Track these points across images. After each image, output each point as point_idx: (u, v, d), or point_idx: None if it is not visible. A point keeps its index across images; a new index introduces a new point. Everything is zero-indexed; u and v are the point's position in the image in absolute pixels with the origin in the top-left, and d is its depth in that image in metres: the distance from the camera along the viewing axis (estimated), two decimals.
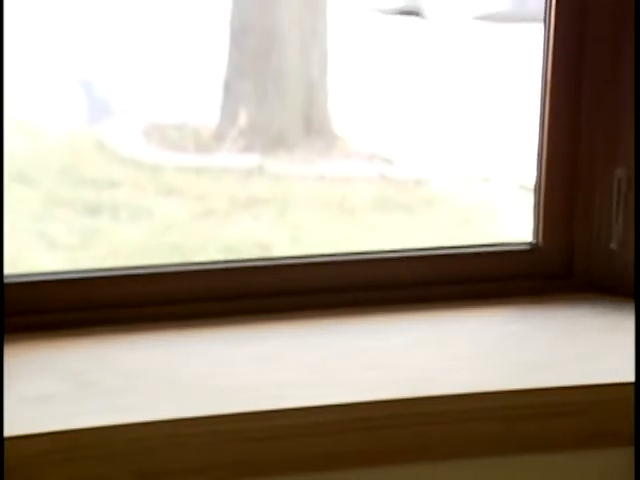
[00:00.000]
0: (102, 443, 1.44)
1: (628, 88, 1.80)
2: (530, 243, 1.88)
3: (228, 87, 4.81)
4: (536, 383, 1.59)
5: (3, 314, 1.54)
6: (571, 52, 1.82)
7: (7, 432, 1.42)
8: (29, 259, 3.55)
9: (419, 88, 4.86)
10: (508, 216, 3.72)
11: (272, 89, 4.80)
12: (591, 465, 1.63)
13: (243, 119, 4.78)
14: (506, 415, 1.57)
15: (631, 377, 1.60)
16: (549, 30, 1.82)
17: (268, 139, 4.76)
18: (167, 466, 1.47)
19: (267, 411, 1.49)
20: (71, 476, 1.44)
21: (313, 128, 4.84)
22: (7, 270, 1.69)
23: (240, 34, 4.76)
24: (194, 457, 1.48)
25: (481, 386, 1.57)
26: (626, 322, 1.76)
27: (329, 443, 1.51)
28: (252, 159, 4.63)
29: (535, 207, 1.89)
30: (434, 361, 1.64)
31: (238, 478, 1.51)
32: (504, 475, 1.62)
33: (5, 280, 1.68)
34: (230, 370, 1.60)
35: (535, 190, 1.89)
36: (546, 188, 1.87)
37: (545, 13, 1.83)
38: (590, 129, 1.83)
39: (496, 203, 4.15)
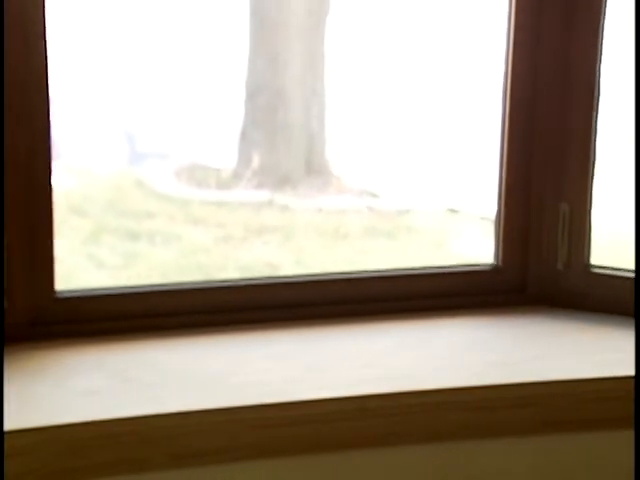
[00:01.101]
0: (141, 430, 1.45)
1: (574, 137, 1.81)
2: (491, 264, 1.89)
3: (244, 135, 4.80)
4: (499, 380, 1.59)
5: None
6: (525, 115, 1.83)
7: (62, 420, 1.42)
8: (81, 277, 3.53)
9: (399, 130, 4.87)
10: (473, 242, 3.71)
11: (280, 138, 4.79)
12: (542, 448, 1.62)
13: (256, 162, 4.77)
14: (474, 406, 1.57)
15: (575, 375, 1.61)
16: (506, 93, 1.84)
17: (276, 178, 4.75)
18: (195, 448, 1.47)
19: (276, 403, 1.49)
20: (116, 457, 1.44)
21: (313, 169, 4.83)
22: (62, 286, 1.70)
23: (254, 92, 4.75)
24: (216, 441, 1.48)
25: (454, 382, 1.58)
26: (570, 329, 1.77)
27: (329, 429, 1.52)
28: (263, 194, 4.61)
29: (495, 235, 1.89)
30: (414, 361, 1.65)
31: (253, 459, 1.51)
32: (474, 456, 1.61)
33: (60, 295, 1.70)
34: (246, 368, 1.61)
35: (495, 221, 1.89)
36: (504, 219, 1.87)
37: (505, 67, 1.83)
38: (540, 172, 1.84)
39: (463, 231, 4.14)
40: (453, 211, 4.43)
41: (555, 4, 1.78)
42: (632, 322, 1.76)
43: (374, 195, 4.74)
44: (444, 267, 1.93)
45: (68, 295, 1.71)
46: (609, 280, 1.83)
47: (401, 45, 4.80)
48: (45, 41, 1.60)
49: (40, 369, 1.58)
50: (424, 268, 1.92)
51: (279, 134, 4.78)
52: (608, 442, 1.64)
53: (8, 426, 1.40)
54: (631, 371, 1.61)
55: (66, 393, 1.51)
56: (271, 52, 4.81)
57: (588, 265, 1.84)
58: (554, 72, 1.81)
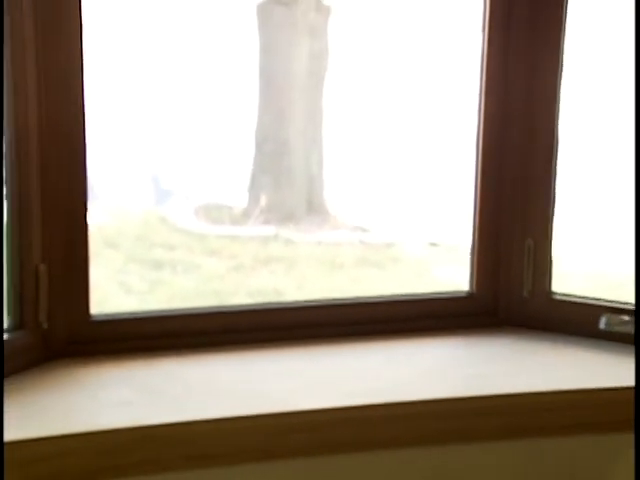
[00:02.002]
0: (164, 435, 1.44)
1: (536, 182, 1.81)
2: (467, 291, 1.88)
3: (253, 179, 4.81)
4: (474, 392, 1.58)
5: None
6: (495, 164, 1.82)
7: (96, 427, 1.42)
8: (112, 302, 3.53)
9: (387, 174, 4.90)
10: (451, 271, 3.71)
11: (284, 181, 4.80)
12: (512, 452, 1.62)
13: (263, 201, 4.77)
14: (452, 415, 1.56)
15: (539, 388, 1.60)
16: (478, 144, 1.84)
17: (281, 215, 4.75)
18: (210, 451, 1.47)
19: (282, 412, 1.49)
20: (142, 459, 1.43)
21: (313, 208, 4.84)
22: (97, 310, 1.69)
23: (262, 142, 4.77)
24: (227, 445, 1.48)
25: (435, 394, 1.57)
26: (535, 348, 1.76)
27: (327, 435, 1.51)
28: (270, 230, 4.62)
29: (470, 265, 1.88)
30: (400, 376, 1.64)
31: (260, 461, 1.50)
32: (454, 458, 1.60)
33: (95, 318, 1.69)
34: (255, 382, 1.60)
35: (470, 253, 1.88)
36: (478, 252, 1.86)
37: (477, 119, 1.83)
38: (508, 212, 1.83)
39: (442, 261, 4.14)
40: (433, 244, 4.44)
41: (519, 70, 1.79)
42: (588, 342, 1.77)
43: (365, 230, 4.75)
44: (426, 294, 1.92)
45: (102, 318, 1.70)
46: (568, 305, 1.82)
47: (386, 104, 4.83)
48: (83, 95, 1.60)
49: (77, 382, 1.58)
50: (408, 295, 1.91)
51: (284, 178, 4.79)
52: (569, 447, 1.63)
53: (49, 432, 1.40)
54: (585, 384, 1.62)
55: (99, 403, 1.51)
56: (277, 107, 4.83)
57: (550, 292, 1.83)
58: (519, 128, 1.81)
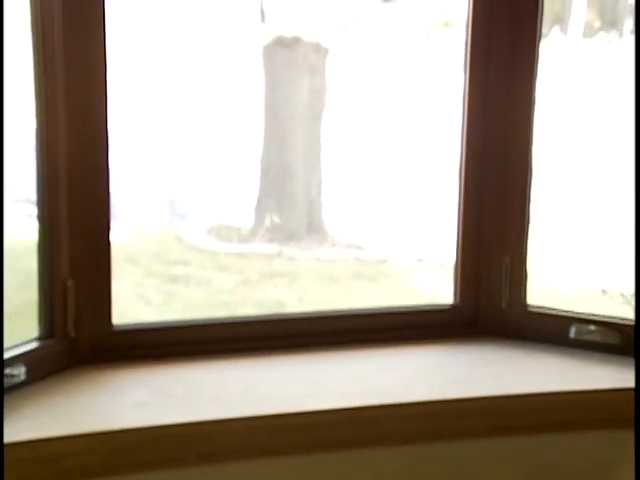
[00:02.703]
0: (177, 434, 1.44)
1: (513, 206, 1.81)
2: (450, 304, 1.88)
3: (259, 202, 4.80)
4: (457, 394, 1.58)
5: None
6: (475, 189, 1.82)
7: (116, 426, 1.42)
8: (132, 312, 3.52)
9: (379, 198, 4.91)
10: (436, 285, 3.71)
11: (287, 203, 4.80)
12: (497, 449, 1.62)
13: (268, 222, 4.77)
14: (439, 415, 1.56)
15: (516, 390, 1.59)
16: (461, 172, 1.84)
17: (284, 235, 4.74)
18: (220, 449, 1.46)
19: (285, 413, 1.49)
20: (157, 455, 1.43)
21: (312, 228, 4.83)
22: (118, 321, 1.69)
23: (266, 168, 4.76)
24: (238, 443, 1.47)
25: (422, 396, 1.57)
26: (512, 355, 1.76)
27: (326, 433, 1.51)
28: (274, 247, 4.61)
29: (454, 280, 1.88)
30: (391, 380, 1.64)
31: (267, 457, 1.50)
32: (440, 454, 1.60)
33: (117, 328, 1.68)
34: (261, 385, 1.59)
35: (454, 269, 1.88)
36: (461, 268, 1.86)
37: (460, 149, 1.83)
38: (488, 232, 1.83)
39: (429, 276, 4.14)
40: (421, 260, 4.43)
41: (497, 106, 1.78)
42: (559, 349, 1.76)
43: (359, 248, 4.75)
44: (413, 306, 1.90)
45: (122, 328, 1.70)
46: (541, 316, 1.82)
47: (378, 135, 4.84)
48: (107, 126, 1.60)
49: (100, 386, 1.57)
50: (398, 307, 1.90)
51: (286, 201, 4.79)
52: (542, 445, 1.63)
53: (75, 430, 1.40)
54: (557, 388, 1.61)
55: (119, 405, 1.51)
56: (280, 138, 4.83)
57: (525, 305, 1.83)
58: (497, 158, 1.80)
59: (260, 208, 4.84)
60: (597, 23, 3.69)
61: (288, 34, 4.66)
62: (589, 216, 3.36)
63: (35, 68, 1.52)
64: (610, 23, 3.68)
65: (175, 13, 4.48)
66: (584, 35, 3.63)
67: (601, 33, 3.64)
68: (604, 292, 3.08)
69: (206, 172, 4.87)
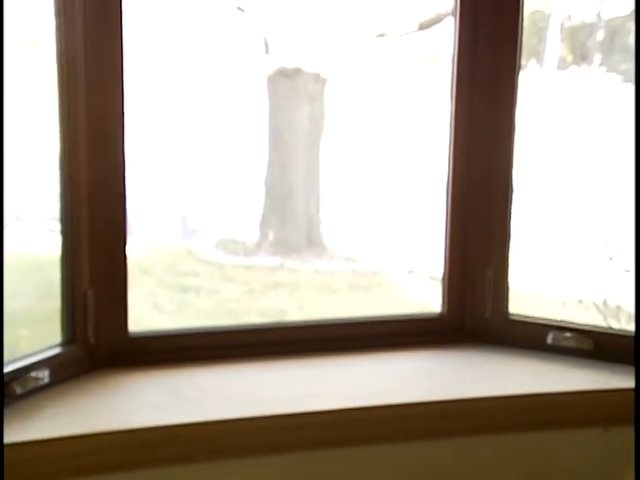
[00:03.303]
0: (188, 433, 1.44)
1: (495, 222, 1.80)
2: (438, 313, 1.87)
3: (263, 218, 4.80)
4: (446, 396, 1.58)
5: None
6: (461, 207, 1.82)
7: (132, 425, 1.41)
8: (147, 320, 3.52)
9: (373, 215, 4.92)
10: (425, 295, 3.71)
11: (288, 220, 4.80)
12: (482, 446, 1.61)
13: (271, 237, 4.77)
14: (429, 415, 1.56)
15: (499, 392, 1.59)
16: (448, 191, 1.83)
17: (286, 249, 4.74)
18: (227, 446, 1.46)
19: (286, 414, 1.48)
20: (170, 452, 1.43)
21: (312, 242, 4.83)
22: (134, 328, 1.68)
23: (270, 188, 4.77)
24: (240, 440, 1.47)
25: (413, 398, 1.56)
26: (495, 360, 1.75)
27: (326, 432, 1.51)
28: (276, 260, 4.61)
29: (442, 291, 1.87)
30: (384, 383, 1.63)
31: (270, 454, 1.49)
32: (430, 451, 1.60)
33: (132, 334, 1.67)
34: (264, 388, 1.59)
35: (442, 280, 1.87)
36: (448, 280, 1.85)
37: (448, 171, 1.82)
38: (473, 247, 1.82)
39: (419, 287, 4.14)
40: (411, 272, 4.43)
41: (480, 131, 1.78)
42: (538, 354, 1.76)
43: (355, 260, 4.75)
44: (404, 315, 1.89)
45: (138, 335, 1.69)
46: (522, 324, 1.81)
47: (372, 157, 4.84)
48: (124, 149, 1.60)
49: (117, 388, 1.57)
50: (390, 315, 1.89)
51: (288, 217, 4.79)
52: (523, 442, 1.63)
53: (94, 429, 1.39)
54: (536, 390, 1.60)
55: (135, 405, 1.50)
56: (283, 159, 4.84)
57: (507, 313, 1.82)
58: (481, 180, 1.80)
59: (264, 224, 4.85)
60: (569, 57, 3.74)
61: (290, 65, 4.67)
62: (566, 231, 3.36)
63: (60, 98, 1.53)
64: (581, 57, 3.71)
65: (187, 46, 4.50)
66: (558, 68, 3.66)
67: (573, 66, 3.68)
68: (580, 302, 3.08)
69: (214, 191, 4.89)
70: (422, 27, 4.56)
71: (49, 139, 1.55)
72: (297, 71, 4.68)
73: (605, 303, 2.98)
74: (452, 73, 1.78)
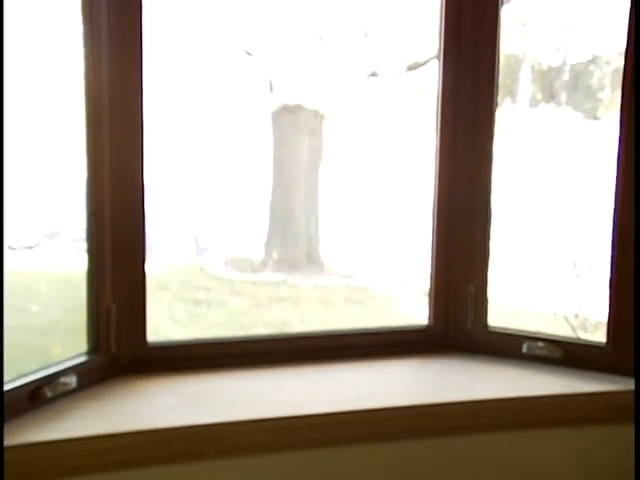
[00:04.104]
0: (202, 433, 1.44)
1: (476, 244, 1.80)
2: (426, 325, 1.85)
3: (268, 239, 4.80)
4: (433, 400, 1.58)
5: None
6: (446, 231, 1.81)
7: (151, 426, 1.41)
8: (164, 331, 3.51)
9: (367, 237, 4.92)
10: (414, 308, 3.70)
11: (290, 240, 4.80)
12: (463, 445, 1.61)
13: (275, 255, 4.77)
14: (417, 416, 1.56)
15: (481, 396, 1.59)
16: (434, 218, 1.83)
17: (288, 266, 4.74)
18: (236, 445, 1.46)
19: (290, 416, 1.48)
20: (185, 450, 1.43)
21: (312, 260, 4.83)
22: (152, 338, 1.67)
23: (274, 211, 4.77)
24: (250, 440, 1.47)
25: (403, 401, 1.56)
26: (476, 367, 1.75)
27: (325, 432, 1.51)
28: (280, 276, 4.61)
29: (429, 304, 1.86)
30: (377, 388, 1.63)
31: (275, 451, 1.49)
32: (419, 449, 1.59)
33: (151, 344, 1.66)
34: (270, 393, 1.58)
35: (428, 295, 1.86)
36: (434, 295, 1.84)
37: (433, 198, 1.81)
38: (457, 266, 1.82)
39: (408, 300, 4.13)
40: (401, 287, 4.43)
41: (463, 158, 1.78)
42: (514, 362, 1.75)
43: (350, 277, 4.75)
44: (395, 326, 1.89)
45: (156, 344, 1.69)
46: (499, 335, 1.80)
47: (366, 184, 4.85)
48: (143, 177, 1.60)
49: (137, 392, 1.57)
50: (382, 327, 1.88)
51: (290, 238, 4.79)
52: (503, 440, 1.63)
53: (117, 429, 1.40)
54: (512, 394, 1.60)
55: (154, 408, 1.50)
56: (285, 186, 4.85)
57: (486, 325, 1.82)
58: (463, 205, 1.80)
59: (269, 244, 4.85)
60: (539, 96, 3.78)
61: (292, 102, 4.70)
62: (540, 251, 3.37)
63: (87, 130, 1.53)
64: (549, 96, 3.76)
65: (202, 84, 4.53)
66: (530, 105, 3.71)
67: (543, 104, 3.73)
68: (555, 314, 3.07)
69: (224, 214, 4.90)
70: (410, 68, 4.59)
71: (79, 166, 1.55)
72: (298, 107, 4.70)
73: (576, 316, 2.97)
74: (437, 110, 1.78)
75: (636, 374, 1.58)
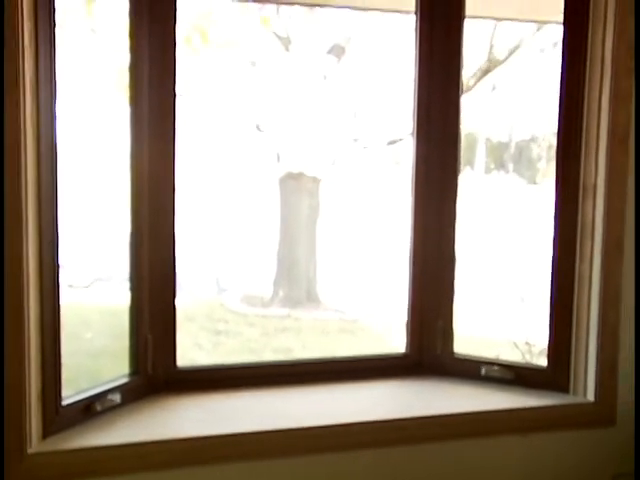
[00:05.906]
0: (224, 441, 1.44)
1: (446, 283, 1.77)
2: (404, 352, 1.82)
3: (275, 280, 4.83)
4: (407, 414, 1.57)
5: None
6: (420, 272, 1.78)
7: (181, 436, 1.40)
8: (190, 356, 3.50)
9: (357, 278, 4.92)
10: (396, 337, 3.70)
11: (294, 282, 4.82)
12: (436, 451, 1.60)
13: (281, 294, 4.79)
14: (396, 428, 1.55)
15: (447, 411, 1.57)
16: (411, 259, 1.80)
17: (292, 302, 4.75)
18: (252, 451, 1.46)
19: (295, 428, 1.48)
20: (210, 455, 1.43)
21: (311, 297, 4.85)
22: (180, 362, 1.64)
23: (281, 259, 4.81)
24: (263, 447, 1.46)
25: (383, 416, 1.56)
26: (444, 387, 1.72)
27: (325, 441, 1.50)
28: (285, 311, 4.62)
29: (406, 335, 1.82)
30: (364, 405, 1.61)
31: (284, 457, 1.48)
32: (394, 456, 1.57)
33: (179, 368, 1.63)
34: (278, 409, 1.57)
35: (405, 328, 1.82)
36: (411, 326, 1.81)
37: (410, 245, 1.78)
38: (428, 304, 1.79)
39: (390, 332, 4.11)
40: (385, 320, 4.42)
41: (433, 215, 1.76)
42: (475, 383, 1.73)
43: (342, 311, 4.76)
44: (379, 354, 1.85)
45: (184, 368, 1.67)
46: (463, 361, 1.77)
47: (356, 235, 4.88)
48: (174, 229, 1.58)
49: (169, 407, 1.56)
50: (369, 354, 1.85)
51: (293, 280, 4.82)
52: (466, 447, 1.61)
53: (154, 437, 1.39)
54: (473, 409, 1.59)
55: (183, 420, 1.50)
56: (289, 238, 4.89)
57: (452, 352, 1.79)
58: (433, 253, 1.78)
59: (276, 284, 4.88)
60: (492, 165, 3.89)
61: (295, 170, 4.78)
62: (496, 289, 3.40)
63: (131, 195, 1.54)
64: (500, 165, 3.87)
65: (220, 155, 4.59)
66: (484, 172, 3.80)
67: (495, 171, 3.83)
68: (508, 342, 3.07)
69: (240, 260, 4.92)
70: (390, 143, 4.68)
71: (125, 224, 1.57)
72: (300, 174, 4.79)
73: (527, 343, 2.98)
74: (412, 176, 1.78)
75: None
